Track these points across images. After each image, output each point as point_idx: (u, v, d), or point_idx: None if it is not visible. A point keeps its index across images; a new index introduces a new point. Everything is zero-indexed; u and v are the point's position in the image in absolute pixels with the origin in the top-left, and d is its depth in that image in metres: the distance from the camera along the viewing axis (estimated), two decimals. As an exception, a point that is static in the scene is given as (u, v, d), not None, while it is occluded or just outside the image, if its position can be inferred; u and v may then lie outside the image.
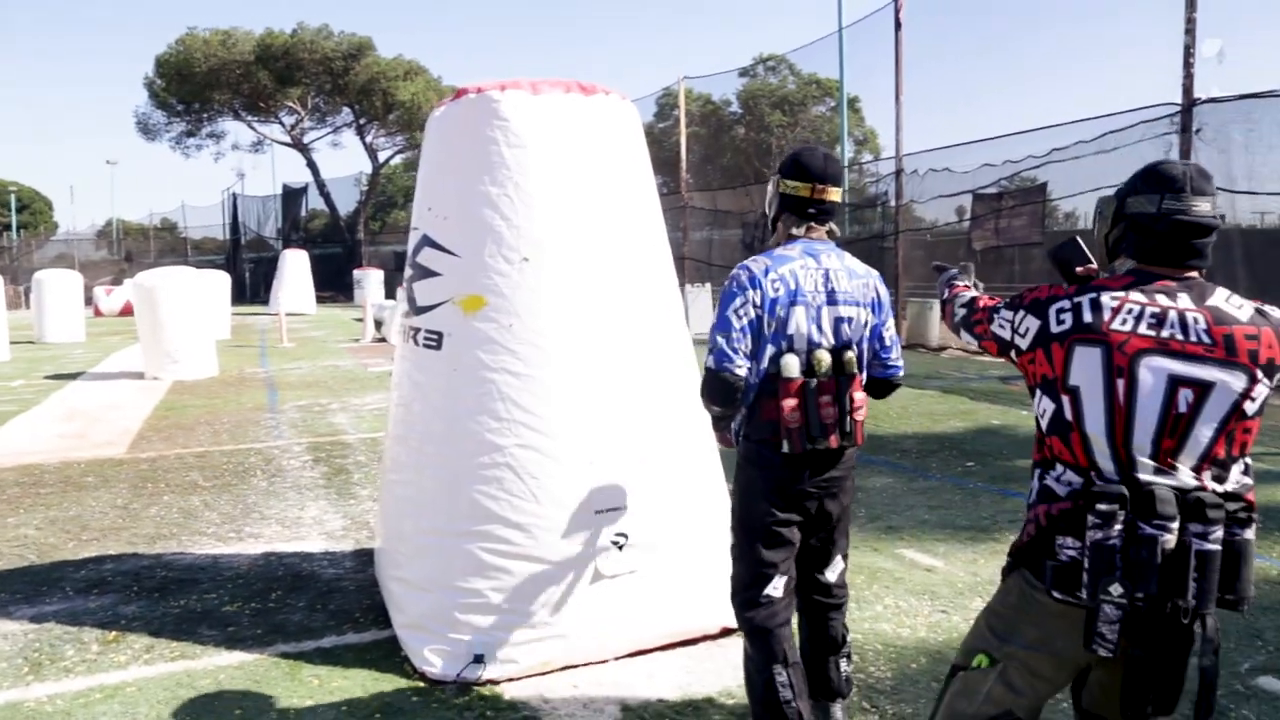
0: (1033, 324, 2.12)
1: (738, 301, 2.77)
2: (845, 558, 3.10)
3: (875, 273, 3.06)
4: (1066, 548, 1.95)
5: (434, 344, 3.75)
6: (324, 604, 4.46)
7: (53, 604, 4.54)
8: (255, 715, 3.38)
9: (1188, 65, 11.70)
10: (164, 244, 52.58)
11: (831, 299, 2.85)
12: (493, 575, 3.57)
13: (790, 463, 2.81)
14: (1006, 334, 2.21)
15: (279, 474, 7.24)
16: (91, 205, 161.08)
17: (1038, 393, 2.11)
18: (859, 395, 2.86)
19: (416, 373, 3.89)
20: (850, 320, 2.88)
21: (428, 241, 3.84)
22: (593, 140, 3.80)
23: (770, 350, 2.80)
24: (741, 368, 2.73)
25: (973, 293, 2.49)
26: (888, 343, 3.02)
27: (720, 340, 2.75)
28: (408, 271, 4.01)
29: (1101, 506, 1.88)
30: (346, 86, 38.90)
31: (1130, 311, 1.98)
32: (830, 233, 3.02)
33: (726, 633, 3.86)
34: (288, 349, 17.64)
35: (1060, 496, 2.00)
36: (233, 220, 46.00)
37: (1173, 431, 1.93)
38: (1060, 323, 2.05)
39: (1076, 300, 2.05)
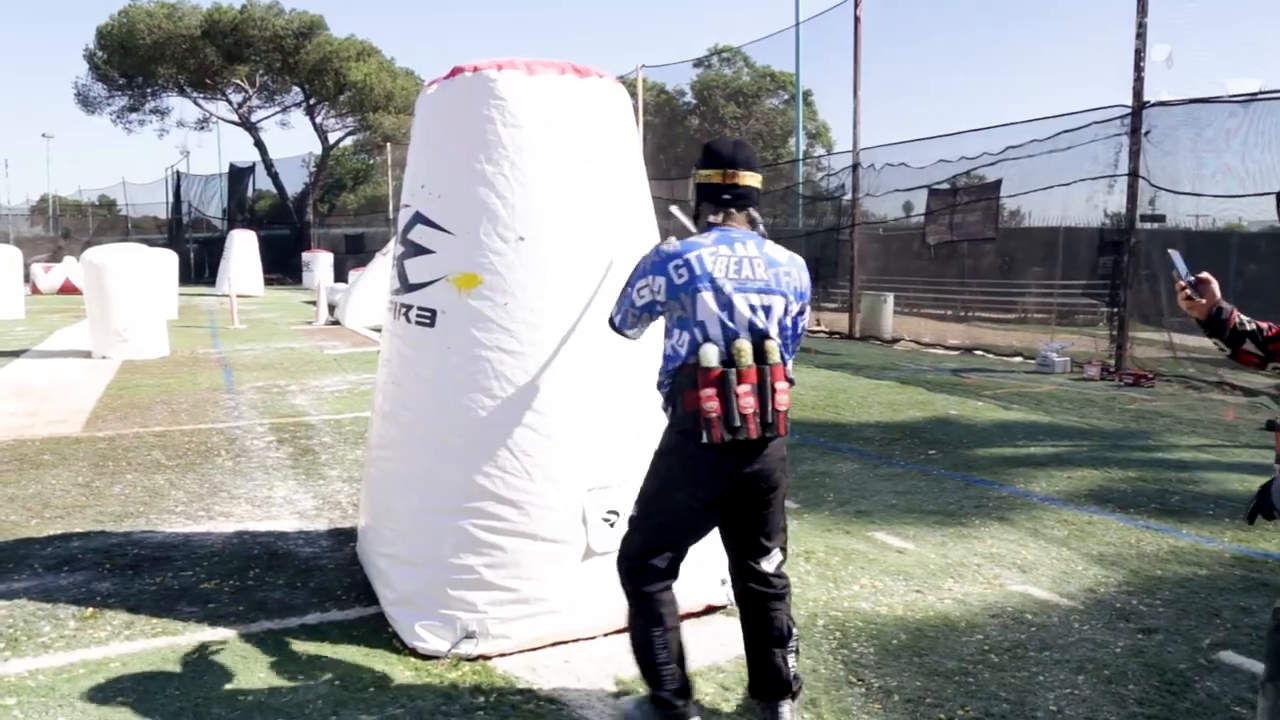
0: None
1: (640, 283, 2.92)
2: (784, 550, 3.08)
3: (800, 260, 3.01)
4: None
5: (427, 321, 3.75)
6: (304, 581, 4.44)
7: (22, 581, 4.45)
8: (246, 689, 3.37)
9: (1138, 69, 12.01)
10: (103, 221, 51.14)
11: (745, 286, 2.83)
12: (485, 551, 3.59)
13: (711, 452, 2.79)
14: None
15: (244, 454, 7.15)
16: (26, 179, 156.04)
17: None
18: (781, 385, 2.83)
19: (408, 349, 3.88)
20: (769, 309, 2.86)
21: (420, 219, 3.83)
22: (587, 122, 3.82)
23: (684, 336, 2.82)
24: (634, 336, 3.10)
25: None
26: (798, 332, 3.01)
27: (625, 307, 3.00)
28: (398, 248, 4.00)
29: None
30: (297, 65, 38.12)
31: None
32: (752, 221, 2.97)
33: (710, 610, 3.94)
34: (239, 330, 17.34)
35: None
36: (175, 199, 44.92)
37: None
38: None
39: None
